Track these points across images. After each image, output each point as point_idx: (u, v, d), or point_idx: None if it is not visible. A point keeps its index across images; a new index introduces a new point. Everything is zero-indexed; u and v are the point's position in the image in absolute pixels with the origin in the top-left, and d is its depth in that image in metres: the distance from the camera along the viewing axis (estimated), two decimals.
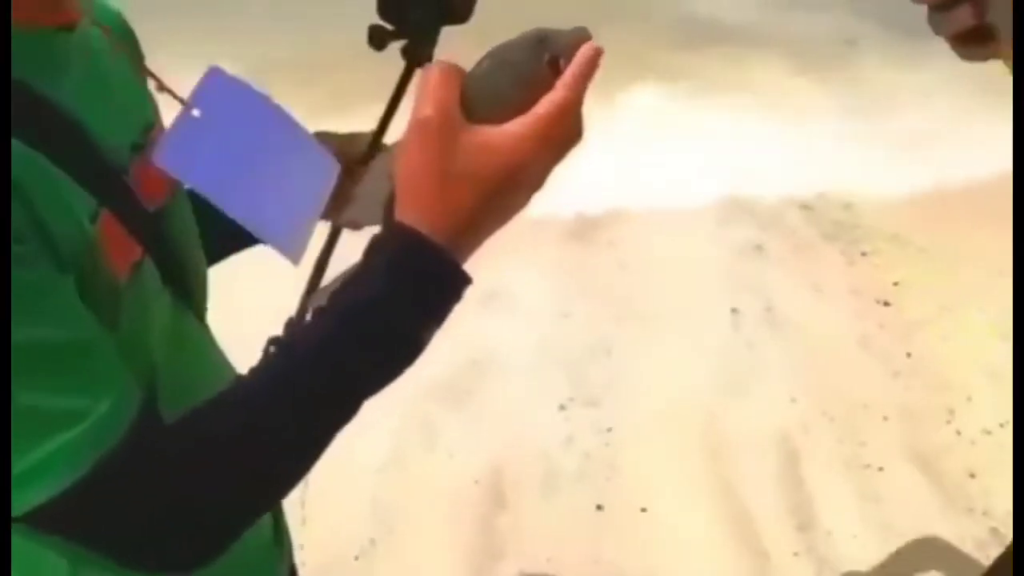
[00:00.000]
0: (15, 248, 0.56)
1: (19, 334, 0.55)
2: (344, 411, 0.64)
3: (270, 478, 0.65)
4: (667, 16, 5.65)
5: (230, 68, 0.83)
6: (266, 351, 1.04)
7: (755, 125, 3.89)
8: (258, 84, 0.81)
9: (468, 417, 2.46)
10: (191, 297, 0.83)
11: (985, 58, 0.85)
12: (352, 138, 0.95)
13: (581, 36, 0.65)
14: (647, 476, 2.36)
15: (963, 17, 0.81)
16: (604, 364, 2.74)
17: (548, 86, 0.63)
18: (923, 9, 0.83)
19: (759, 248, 3.32)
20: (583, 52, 0.64)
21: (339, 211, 0.98)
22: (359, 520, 2.17)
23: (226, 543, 0.63)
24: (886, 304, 2.98)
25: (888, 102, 4.00)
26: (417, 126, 0.63)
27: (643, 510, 2.25)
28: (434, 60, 0.84)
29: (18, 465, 0.55)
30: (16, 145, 0.58)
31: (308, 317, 1.05)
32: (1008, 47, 0.84)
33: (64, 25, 0.69)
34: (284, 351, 0.65)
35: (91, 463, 0.56)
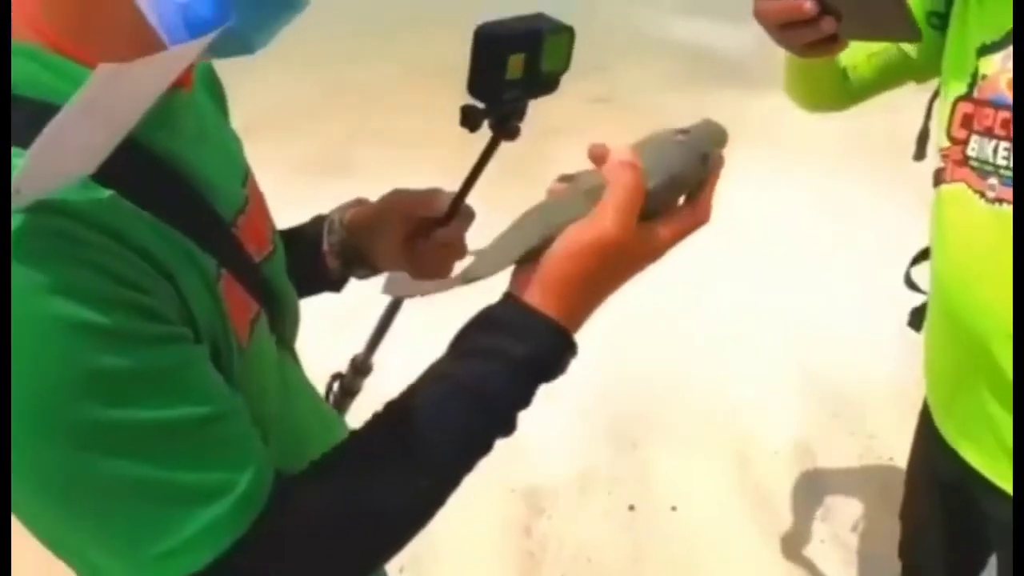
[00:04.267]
0: (162, 328, 0.56)
1: (162, 413, 0.55)
2: (460, 477, 0.67)
3: (405, 524, 0.67)
4: (667, 50, 5.62)
5: None
6: (330, 387, 1.08)
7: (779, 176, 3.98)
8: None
9: None
10: (289, 334, 0.84)
11: (827, 55, 1.02)
12: (435, 194, 0.94)
13: (723, 141, 0.74)
14: (674, 477, 2.47)
15: (826, 27, 0.95)
16: (625, 373, 2.84)
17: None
18: None
19: None
20: (716, 176, 0.73)
21: (416, 266, 0.94)
22: None
23: None
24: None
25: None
26: (599, 239, 0.67)
27: (673, 508, 2.35)
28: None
29: (167, 541, 0.55)
30: (150, 219, 0.57)
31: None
32: (845, 44, 1.00)
33: (180, 85, 0.68)
34: (401, 420, 0.66)
35: (242, 531, 0.58)
